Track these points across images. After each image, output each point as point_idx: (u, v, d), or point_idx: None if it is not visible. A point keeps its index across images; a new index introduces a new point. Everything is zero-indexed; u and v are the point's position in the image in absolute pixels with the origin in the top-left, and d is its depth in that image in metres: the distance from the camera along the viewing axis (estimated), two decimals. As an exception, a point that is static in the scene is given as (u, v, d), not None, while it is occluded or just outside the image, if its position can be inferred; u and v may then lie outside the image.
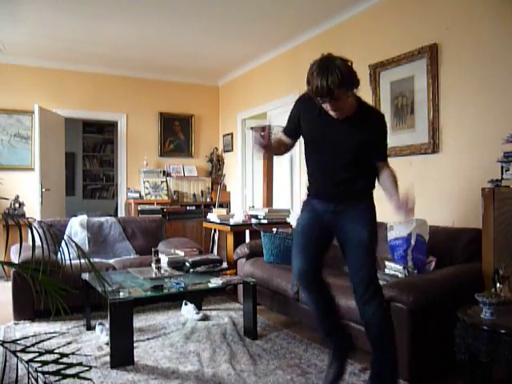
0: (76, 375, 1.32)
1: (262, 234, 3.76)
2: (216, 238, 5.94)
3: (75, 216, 4.76)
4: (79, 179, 8.64)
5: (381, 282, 2.75)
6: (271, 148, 2.27)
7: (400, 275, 2.79)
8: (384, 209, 3.82)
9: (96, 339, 3.13)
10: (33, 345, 1.37)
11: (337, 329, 2.37)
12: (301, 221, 2.35)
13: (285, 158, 5.02)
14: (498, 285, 2.25)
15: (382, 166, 2.23)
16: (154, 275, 3.30)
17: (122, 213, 6.35)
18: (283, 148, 2.40)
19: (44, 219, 4.80)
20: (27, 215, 5.16)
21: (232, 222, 4.44)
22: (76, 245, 1.52)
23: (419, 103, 3.52)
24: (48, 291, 1.40)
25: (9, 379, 2.44)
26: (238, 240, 4.38)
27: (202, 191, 6.63)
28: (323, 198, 2.26)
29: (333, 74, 1.88)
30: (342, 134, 2.12)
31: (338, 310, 2.45)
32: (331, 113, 2.05)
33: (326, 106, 2.02)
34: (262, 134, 2.32)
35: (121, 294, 2.77)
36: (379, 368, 2.18)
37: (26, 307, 3.51)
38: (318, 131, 2.18)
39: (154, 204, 6.13)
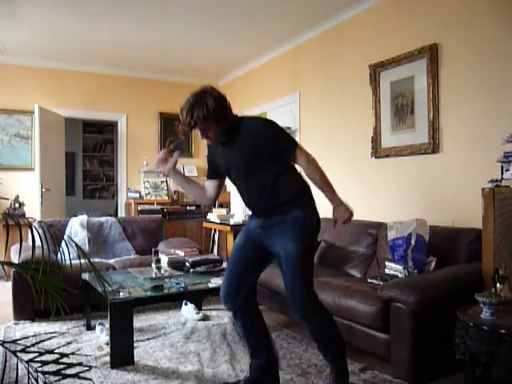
0: (76, 375, 1.32)
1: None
2: (216, 237, 5.94)
3: (75, 216, 4.76)
4: (79, 179, 8.64)
5: (380, 282, 2.76)
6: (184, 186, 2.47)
7: (400, 275, 2.79)
8: (384, 209, 3.84)
9: (96, 339, 3.13)
10: (33, 345, 1.37)
11: (262, 349, 2.31)
12: (236, 240, 2.36)
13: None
14: (497, 285, 2.25)
15: (298, 162, 2.20)
16: (154, 275, 3.30)
17: (122, 213, 6.35)
18: (201, 193, 2.47)
19: (44, 219, 4.80)
20: (27, 215, 5.16)
21: (232, 222, 4.44)
22: (76, 245, 1.52)
23: (419, 103, 3.52)
24: (48, 291, 1.40)
25: (9, 379, 2.44)
26: (238, 240, 4.36)
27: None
28: (254, 213, 2.31)
29: (199, 108, 2.09)
30: (231, 155, 2.22)
31: (267, 338, 2.35)
32: (206, 141, 2.25)
33: (199, 135, 2.22)
34: (161, 157, 2.38)
35: (121, 294, 2.77)
36: (331, 358, 2.24)
37: (26, 307, 3.52)
38: (221, 162, 2.32)
39: (154, 204, 6.13)
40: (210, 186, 2.44)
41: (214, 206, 6.15)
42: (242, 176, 2.25)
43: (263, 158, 2.16)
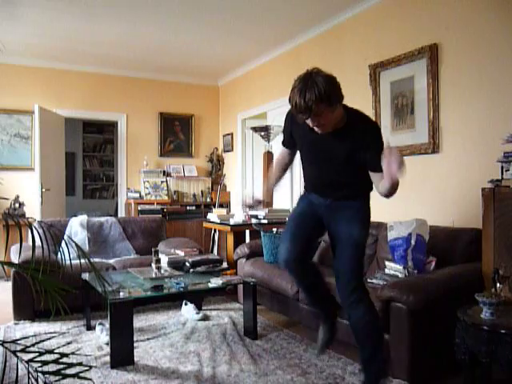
0: (76, 375, 1.32)
1: (261, 234, 3.76)
2: (216, 238, 5.94)
3: (75, 216, 4.76)
4: (79, 179, 8.64)
5: (380, 282, 2.76)
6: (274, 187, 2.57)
7: (400, 275, 2.79)
8: (384, 209, 3.83)
9: (96, 339, 3.13)
10: (33, 345, 1.37)
11: (324, 300, 2.46)
12: (296, 208, 2.42)
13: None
14: (498, 285, 2.25)
15: (376, 176, 2.06)
16: (154, 275, 3.30)
17: (122, 213, 6.35)
18: (285, 167, 2.52)
19: (44, 219, 4.80)
20: (27, 215, 5.16)
21: (232, 221, 4.44)
22: (76, 245, 1.52)
23: (419, 103, 3.52)
24: (48, 291, 1.40)
25: (9, 379, 2.44)
26: (238, 240, 4.38)
27: (202, 191, 6.63)
28: (320, 194, 2.30)
29: (311, 90, 1.88)
30: (329, 147, 2.12)
31: (326, 287, 2.47)
32: (315, 129, 2.05)
33: (309, 122, 2.01)
34: (258, 203, 2.58)
35: (121, 293, 2.77)
36: (369, 368, 2.20)
37: (26, 307, 3.52)
38: (308, 145, 2.23)
39: (154, 204, 6.13)
40: (287, 154, 2.46)
41: (221, 204, 6.16)
42: (324, 168, 2.20)
43: (358, 158, 2.06)
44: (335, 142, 2.09)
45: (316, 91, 1.88)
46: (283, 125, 2.38)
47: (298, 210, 2.41)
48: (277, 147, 4.91)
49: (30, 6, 4.09)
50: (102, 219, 4.62)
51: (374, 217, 3.74)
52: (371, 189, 2.26)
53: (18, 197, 5.35)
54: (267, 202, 2.49)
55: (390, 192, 1.98)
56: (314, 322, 3.04)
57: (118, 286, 2.97)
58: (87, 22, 4.48)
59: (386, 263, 2.97)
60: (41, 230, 1.66)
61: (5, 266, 4.62)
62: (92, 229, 4.45)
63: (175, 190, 6.51)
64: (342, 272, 2.17)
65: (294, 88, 1.96)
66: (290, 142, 2.37)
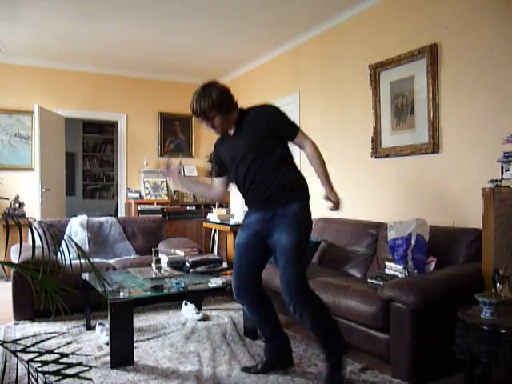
0: (76, 375, 1.32)
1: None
2: (216, 238, 5.94)
3: (75, 216, 4.76)
4: (79, 179, 8.64)
5: (380, 282, 2.76)
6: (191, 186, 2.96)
7: (400, 275, 2.79)
8: (384, 209, 3.84)
9: (96, 339, 3.13)
10: (33, 345, 1.37)
11: (272, 326, 2.57)
12: (238, 240, 2.50)
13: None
14: (498, 285, 2.25)
15: (299, 145, 2.40)
16: (154, 275, 3.30)
17: (122, 213, 6.35)
18: (208, 191, 2.83)
19: (44, 219, 4.81)
20: (27, 215, 5.16)
21: (232, 222, 4.44)
22: (76, 245, 1.52)
23: (419, 103, 3.52)
24: (48, 291, 1.40)
25: (9, 379, 2.44)
26: (238, 240, 4.37)
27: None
28: (255, 208, 2.43)
29: (206, 99, 2.30)
30: (236, 145, 2.39)
31: (275, 315, 2.60)
32: (212, 132, 2.45)
33: (204, 124, 2.41)
34: (166, 169, 2.71)
35: (121, 293, 2.77)
36: (330, 349, 2.34)
37: (26, 307, 3.52)
38: (227, 155, 2.47)
39: (154, 204, 6.13)
40: (218, 182, 2.68)
41: (221, 204, 6.16)
42: (246, 162, 2.35)
43: (268, 140, 2.32)
44: (239, 139, 2.39)
45: (209, 100, 2.29)
46: (214, 160, 2.70)
47: (238, 240, 2.49)
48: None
49: (29, 6, 4.09)
50: (102, 219, 4.62)
51: (374, 217, 3.78)
52: (303, 186, 2.39)
53: (17, 197, 5.35)
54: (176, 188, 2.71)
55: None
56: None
57: (118, 286, 2.97)
58: (87, 21, 4.48)
59: (386, 263, 2.97)
60: (41, 230, 1.66)
61: (5, 266, 4.62)
62: (92, 229, 4.46)
63: (175, 190, 6.51)
64: (280, 281, 2.27)
65: (194, 95, 2.36)
66: (221, 169, 2.62)
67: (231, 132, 2.45)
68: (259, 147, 2.32)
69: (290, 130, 2.39)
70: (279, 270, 2.29)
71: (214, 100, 2.30)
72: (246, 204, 2.53)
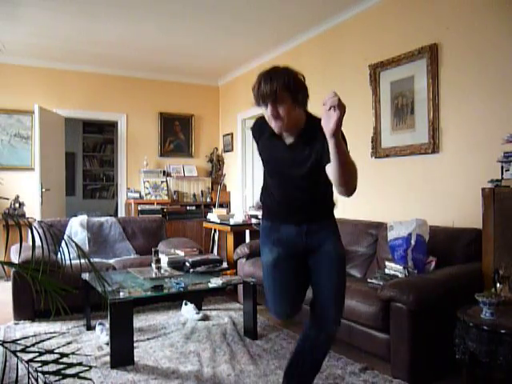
0: (76, 375, 1.32)
1: (262, 234, 3.76)
2: (216, 238, 5.94)
3: (75, 216, 4.76)
4: (79, 179, 8.64)
5: (380, 282, 2.77)
6: None
7: (400, 275, 2.79)
8: (384, 209, 3.84)
9: (96, 339, 3.13)
10: (33, 345, 1.37)
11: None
12: (269, 259, 2.02)
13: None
14: (497, 285, 2.26)
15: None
16: (154, 275, 3.30)
17: (122, 213, 6.35)
18: None
19: (44, 219, 4.80)
20: (27, 215, 5.16)
21: (232, 221, 4.44)
22: (76, 245, 1.52)
23: (419, 103, 3.52)
24: (48, 291, 1.40)
25: (9, 379, 2.43)
26: (238, 240, 4.38)
27: (202, 191, 6.62)
28: (292, 221, 2.00)
29: (279, 77, 1.81)
30: (292, 158, 1.92)
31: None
32: (272, 124, 1.85)
33: (267, 113, 1.83)
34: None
35: (121, 293, 2.77)
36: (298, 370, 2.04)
37: (26, 307, 3.52)
38: (270, 156, 2.02)
39: (154, 204, 6.13)
40: None
41: (221, 204, 6.15)
42: (290, 184, 1.97)
43: (318, 170, 1.82)
44: (296, 153, 1.91)
45: (286, 79, 1.81)
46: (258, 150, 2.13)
47: (272, 262, 2.01)
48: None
49: (29, 6, 4.09)
50: (102, 219, 4.62)
51: (374, 217, 3.78)
52: (332, 210, 2.07)
53: (17, 197, 5.35)
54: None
55: (343, 175, 1.65)
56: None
57: (118, 286, 2.97)
58: (87, 21, 4.48)
59: (386, 263, 2.97)
60: (41, 230, 1.65)
61: (5, 266, 4.62)
62: (92, 229, 4.46)
63: (175, 190, 6.51)
64: (333, 289, 1.95)
65: (261, 74, 1.86)
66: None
67: (289, 138, 1.92)
68: (314, 175, 1.88)
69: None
70: (325, 282, 1.95)
71: (291, 81, 1.81)
72: (271, 212, 2.10)
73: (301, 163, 1.89)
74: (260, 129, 2.03)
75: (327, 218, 2.04)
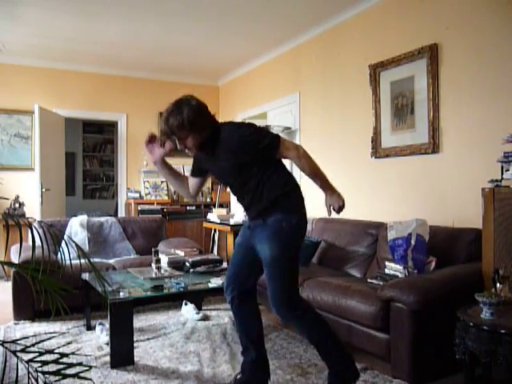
0: (76, 375, 1.32)
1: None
2: (216, 238, 5.94)
3: (75, 216, 4.76)
4: (79, 179, 8.64)
5: (380, 282, 2.76)
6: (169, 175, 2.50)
7: (400, 275, 2.79)
8: (384, 209, 3.84)
9: (96, 339, 3.13)
10: (33, 345, 1.37)
11: (251, 346, 2.34)
12: (237, 239, 2.43)
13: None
14: (498, 285, 2.25)
15: (287, 157, 2.20)
16: (154, 275, 3.30)
17: (122, 213, 6.35)
18: (181, 183, 2.50)
19: (44, 219, 4.80)
20: (27, 215, 5.16)
21: (232, 222, 4.44)
22: (76, 245, 1.52)
23: (419, 103, 3.52)
24: (48, 291, 1.40)
25: (9, 379, 2.43)
26: (238, 240, 4.37)
27: (202, 191, 6.63)
28: (247, 214, 2.36)
29: (175, 117, 2.09)
30: (216, 166, 2.26)
31: (260, 338, 2.38)
32: (186, 150, 2.25)
33: (177, 144, 2.22)
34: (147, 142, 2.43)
35: (121, 293, 2.77)
36: (328, 363, 2.23)
37: (26, 307, 3.51)
38: (206, 165, 2.36)
39: (154, 204, 6.13)
40: (192, 182, 2.48)
41: (221, 204, 6.16)
42: (230, 183, 2.32)
43: (247, 166, 2.16)
44: (217, 162, 2.23)
45: (180, 119, 2.09)
46: (193, 158, 2.46)
47: (236, 240, 2.43)
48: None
49: (29, 6, 4.09)
50: (102, 219, 4.62)
51: (374, 217, 3.78)
52: (286, 195, 2.18)
53: (17, 197, 5.35)
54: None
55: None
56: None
57: (118, 286, 2.96)
58: (87, 21, 4.48)
59: (386, 263, 2.97)
60: (41, 230, 1.65)
61: (5, 266, 4.62)
62: (92, 229, 4.46)
63: (175, 190, 6.50)
64: (268, 291, 2.15)
65: (165, 111, 2.18)
66: (197, 169, 2.45)
67: (206, 150, 2.25)
68: (237, 172, 2.18)
69: (268, 149, 2.14)
70: (267, 283, 2.18)
71: (185, 118, 2.09)
72: None
73: (221, 167, 2.23)
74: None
75: (266, 215, 2.16)
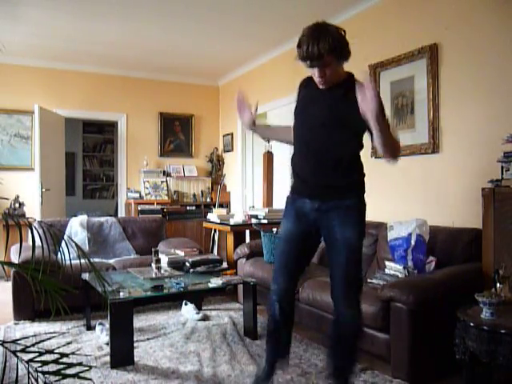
0: (76, 375, 1.32)
1: (262, 234, 3.76)
2: (216, 238, 5.94)
3: (75, 216, 4.76)
4: (79, 179, 8.64)
5: (380, 282, 2.76)
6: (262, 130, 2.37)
7: (400, 275, 2.79)
8: (384, 209, 3.83)
9: (96, 339, 3.13)
10: (33, 345, 1.37)
11: (285, 343, 2.24)
12: (284, 229, 2.17)
13: (285, 158, 5.01)
14: (497, 285, 2.26)
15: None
16: (154, 275, 3.30)
17: (122, 213, 6.35)
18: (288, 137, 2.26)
19: (44, 219, 4.80)
20: (27, 215, 5.16)
21: (232, 221, 4.44)
22: (76, 245, 1.52)
23: (419, 103, 3.52)
24: (48, 291, 1.40)
25: (9, 379, 2.44)
26: (238, 240, 4.37)
27: (202, 191, 6.63)
28: (308, 195, 2.08)
29: (325, 39, 1.85)
30: (326, 103, 2.01)
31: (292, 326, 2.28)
32: (316, 79, 1.99)
33: (314, 72, 1.98)
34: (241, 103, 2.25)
35: (121, 293, 2.77)
36: (338, 365, 2.12)
37: (26, 307, 3.52)
38: (302, 107, 2.11)
39: (154, 204, 6.13)
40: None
41: (221, 204, 6.15)
42: (320, 136, 2.01)
43: (354, 127, 1.97)
44: (333, 100, 2.01)
45: (330, 40, 1.86)
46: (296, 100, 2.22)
47: (285, 232, 2.16)
48: (277, 147, 4.91)
49: (30, 6, 4.09)
50: (102, 219, 4.62)
51: (374, 217, 3.78)
52: (363, 184, 2.12)
53: (17, 197, 5.35)
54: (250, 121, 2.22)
55: (386, 150, 1.86)
56: (314, 321, 3.04)
57: (118, 286, 2.97)
58: (87, 21, 4.48)
59: (386, 263, 2.97)
60: (41, 230, 1.65)
61: (5, 266, 4.62)
62: (92, 229, 4.46)
63: (175, 190, 6.51)
64: (341, 273, 2.03)
65: (305, 35, 1.90)
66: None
67: (326, 85, 2.00)
68: (345, 125, 1.96)
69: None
70: (336, 267, 2.04)
71: (336, 41, 1.87)
72: (293, 184, 2.18)
73: (337, 108, 1.98)
74: (304, 85, 2.18)
75: (342, 197, 2.02)
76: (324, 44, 1.84)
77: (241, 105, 2.26)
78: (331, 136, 2.00)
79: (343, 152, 2.01)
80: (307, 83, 2.16)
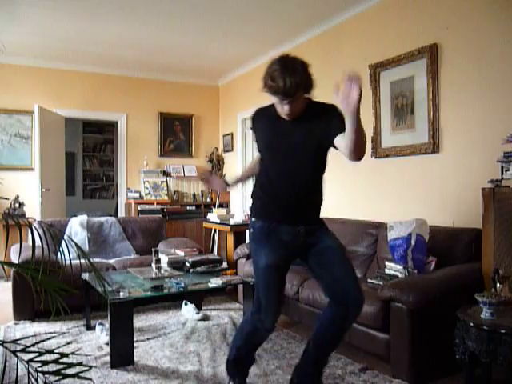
0: (76, 375, 1.32)
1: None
2: (216, 238, 5.94)
3: (75, 216, 4.76)
4: (79, 179, 8.65)
5: (380, 282, 2.77)
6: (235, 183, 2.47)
7: (400, 275, 2.79)
8: (384, 209, 3.84)
9: (96, 339, 3.13)
10: (33, 345, 1.37)
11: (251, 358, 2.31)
12: (267, 259, 2.04)
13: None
14: (497, 285, 2.26)
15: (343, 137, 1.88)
16: (154, 275, 3.31)
17: (122, 213, 6.35)
18: (253, 172, 2.34)
19: (44, 219, 4.80)
20: (27, 215, 5.16)
21: (232, 222, 4.44)
22: (76, 245, 1.52)
23: (419, 103, 3.52)
24: (48, 291, 1.40)
25: (9, 379, 2.44)
26: (238, 240, 4.38)
27: (202, 191, 6.63)
28: (290, 220, 2.05)
29: (298, 75, 1.85)
30: (298, 135, 2.00)
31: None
32: (284, 112, 1.96)
33: (282, 105, 1.94)
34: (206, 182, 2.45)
35: (121, 293, 2.77)
36: (321, 357, 2.14)
37: (26, 307, 3.52)
38: (272, 139, 2.08)
39: (154, 204, 6.13)
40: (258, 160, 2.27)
41: (221, 204, 6.16)
42: (298, 165, 2.02)
43: (322, 149, 2.00)
44: (303, 130, 2.00)
45: (302, 76, 1.87)
46: (253, 132, 2.24)
47: (268, 262, 2.04)
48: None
49: (30, 6, 4.09)
50: (102, 219, 4.62)
51: (374, 217, 3.78)
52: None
53: (17, 197, 5.35)
54: (220, 193, 2.39)
55: (357, 143, 1.75)
56: (314, 321, 3.04)
57: (118, 286, 2.97)
58: (87, 21, 4.48)
59: (386, 263, 2.97)
60: (41, 230, 1.65)
61: (5, 266, 4.62)
62: (92, 229, 4.46)
63: (175, 190, 6.51)
64: (350, 276, 2.03)
65: (277, 70, 1.86)
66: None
67: (292, 116, 2.00)
68: (321, 147, 2.00)
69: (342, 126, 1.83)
70: (338, 265, 2.03)
71: (305, 77, 1.88)
72: (266, 211, 2.11)
73: (308, 139, 1.98)
74: (261, 116, 2.18)
75: (319, 213, 2.15)
76: (297, 80, 1.84)
77: (207, 180, 2.44)
78: (308, 162, 2.03)
79: (318, 175, 2.10)
80: (263, 114, 2.16)
